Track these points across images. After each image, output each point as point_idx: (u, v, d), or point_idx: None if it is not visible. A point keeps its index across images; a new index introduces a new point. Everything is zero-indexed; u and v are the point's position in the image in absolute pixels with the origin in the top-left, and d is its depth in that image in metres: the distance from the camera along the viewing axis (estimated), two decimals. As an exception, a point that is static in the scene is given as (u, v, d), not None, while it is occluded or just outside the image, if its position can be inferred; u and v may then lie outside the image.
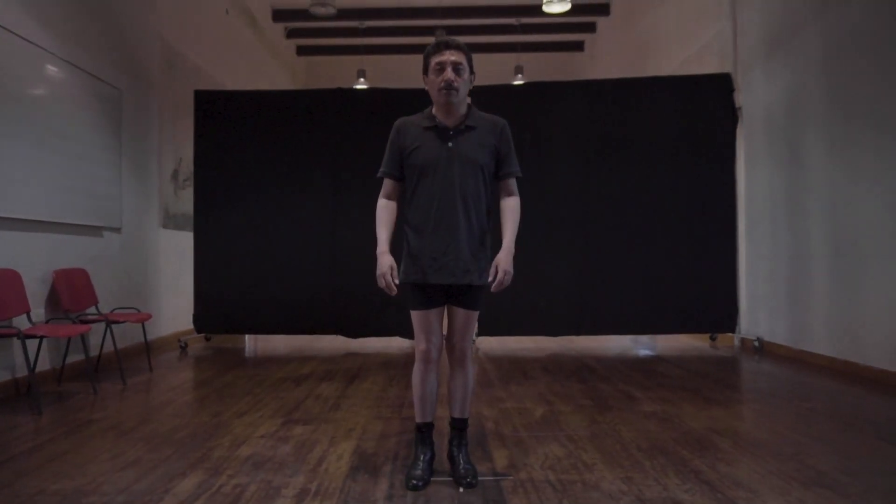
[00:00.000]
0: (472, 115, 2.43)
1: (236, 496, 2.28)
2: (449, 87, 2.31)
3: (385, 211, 2.46)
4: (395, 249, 2.41)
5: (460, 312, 2.41)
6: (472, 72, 2.40)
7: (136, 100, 5.66)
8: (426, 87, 2.43)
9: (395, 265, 2.36)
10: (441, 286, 2.37)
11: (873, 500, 2.19)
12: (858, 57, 4.41)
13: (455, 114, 2.39)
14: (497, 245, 2.38)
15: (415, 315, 2.41)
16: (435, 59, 2.35)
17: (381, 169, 2.48)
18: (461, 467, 2.40)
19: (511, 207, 2.48)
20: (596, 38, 10.82)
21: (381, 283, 2.35)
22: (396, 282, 2.36)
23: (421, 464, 2.42)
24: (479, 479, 2.42)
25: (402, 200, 2.49)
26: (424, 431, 2.49)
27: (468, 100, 2.44)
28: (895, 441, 2.88)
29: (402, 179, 2.46)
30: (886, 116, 4.14)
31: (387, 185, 2.49)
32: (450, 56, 2.33)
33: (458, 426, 2.49)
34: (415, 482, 2.34)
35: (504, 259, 2.37)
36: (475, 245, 2.39)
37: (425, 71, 2.40)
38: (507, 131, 2.47)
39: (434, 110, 2.42)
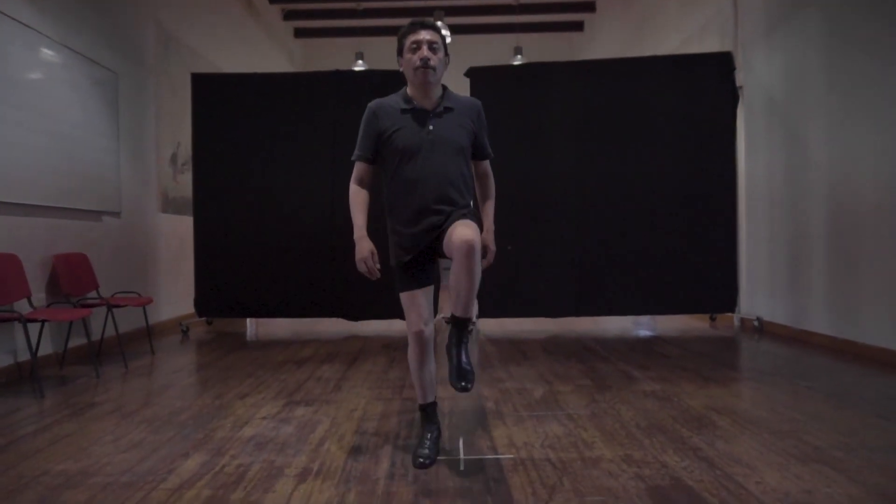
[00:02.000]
0: (448, 96, 2.41)
1: (239, 476, 2.30)
2: (425, 65, 2.29)
3: (359, 195, 2.42)
4: (373, 235, 2.41)
5: (454, 224, 2.23)
6: (446, 53, 2.39)
7: (132, 83, 5.63)
8: (401, 69, 2.40)
9: (374, 250, 2.35)
10: (428, 249, 2.36)
11: (870, 476, 2.21)
12: (858, 36, 4.38)
13: (431, 95, 2.36)
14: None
15: (404, 297, 2.40)
16: (410, 39, 2.33)
17: (356, 152, 2.43)
18: (457, 364, 2.21)
19: (489, 189, 2.56)
20: (595, 18, 10.73)
21: (362, 267, 2.34)
22: (378, 266, 2.36)
23: (427, 442, 2.44)
24: (479, 457, 2.43)
25: (375, 184, 2.45)
26: (428, 411, 2.51)
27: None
28: (892, 418, 2.90)
29: (375, 163, 2.44)
30: (887, 97, 4.11)
31: (360, 168, 2.44)
32: (425, 35, 2.32)
33: (460, 325, 2.26)
34: (421, 460, 2.36)
35: (490, 240, 2.46)
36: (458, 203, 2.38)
37: (400, 52, 2.38)
38: (482, 113, 2.48)
39: (409, 91, 2.39)
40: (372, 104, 2.43)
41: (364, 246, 2.35)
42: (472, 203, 2.43)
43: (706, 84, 5.51)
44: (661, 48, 7.46)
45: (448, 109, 2.38)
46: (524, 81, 5.61)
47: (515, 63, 8.65)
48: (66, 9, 4.66)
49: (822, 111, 4.77)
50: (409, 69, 2.33)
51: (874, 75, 4.24)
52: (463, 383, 2.19)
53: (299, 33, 11.41)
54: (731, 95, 5.53)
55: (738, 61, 5.74)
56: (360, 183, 2.44)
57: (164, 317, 6.10)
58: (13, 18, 4.07)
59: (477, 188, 2.56)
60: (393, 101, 2.41)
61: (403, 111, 2.37)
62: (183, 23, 6.71)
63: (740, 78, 5.72)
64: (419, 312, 2.37)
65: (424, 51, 2.29)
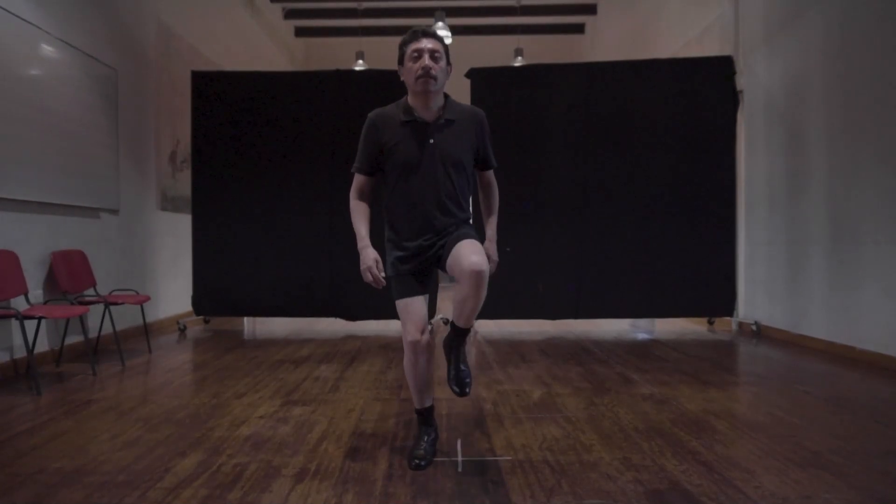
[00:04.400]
0: (450, 106, 2.37)
1: (236, 475, 2.29)
2: (427, 75, 2.24)
3: (359, 207, 2.40)
4: (374, 238, 2.39)
5: (459, 244, 2.24)
6: (448, 62, 2.35)
7: (132, 80, 5.62)
8: (402, 78, 2.36)
9: (379, 258, 2.33)
10: (427, 261, 2.36)
11: (868, 481, 2.21)
12: (860, 41, 4.38)
13: (432, 105, 2.33)
14: (480, 234, 2.40)
15: (399, 304, 2.37)
16: (412, 47, 2.29)
17: (355, 164, 2.41)
18: (461, 368, 2.29)
19: (492, 199, 2.53)
20: (596, 21, 10.73)
21: (367, 277, 2.32)
22: (383, 274, 2.33)
23: (424, 444, 2.43)
24: (477, 459, 2.43)
25: (374, 195, 2.43)
26: (425, 415, 2.50)
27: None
28: (890, 423, 2.90)
29: (374, 175, 2.41)
30: (887, 102, 4.12)
31: (359, 180, 2.41)
32: (427, 44, 2.28)
33: (460, 334, 2.31)
34: (417, 461, 2.35)
35: (492, 249, 2.44)
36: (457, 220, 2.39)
37: (401, 61, 2.34)
38: (485, 123, 2.44)
39: (410, 101, 2.35)
40: (372, 115, 2.39)
41: (368, 255, 2.32)
42: (471, 216, 2.44)
43: (707, 88, 5.52)
44: (662, 51, 7.46)
45: (449, 122, 2.34)
46: (525, 83, 5.60)
47: (516, 64, 8.65)
48: (66, 5, 4.65)
49: (822, 116, 4.78)
50: (411, 78, 2.29)
51: (874, 80, 4.24)
52: (461, 388, 2.27)
53: (300, 32, 11.40)
54: (732, 99, 5.54)
55: (739, 65, 5.74)
56: (360, 195, 2.42)
57: (162, 315, 6.08)
58: (13, 14, 4.06)
59: (481, 198, 2.52)
60: (393, 112, 2.37)
61: (403, 123, 2.33)
62: (183, 20, 6.70)
63: (741, 82, 5.73)
64: (415, 322, 2.33)
65: (426, 59, 2.25)
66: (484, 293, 2.19)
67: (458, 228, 2.34)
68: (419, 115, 2.33)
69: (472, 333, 5.54)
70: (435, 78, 2.27)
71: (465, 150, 2.37)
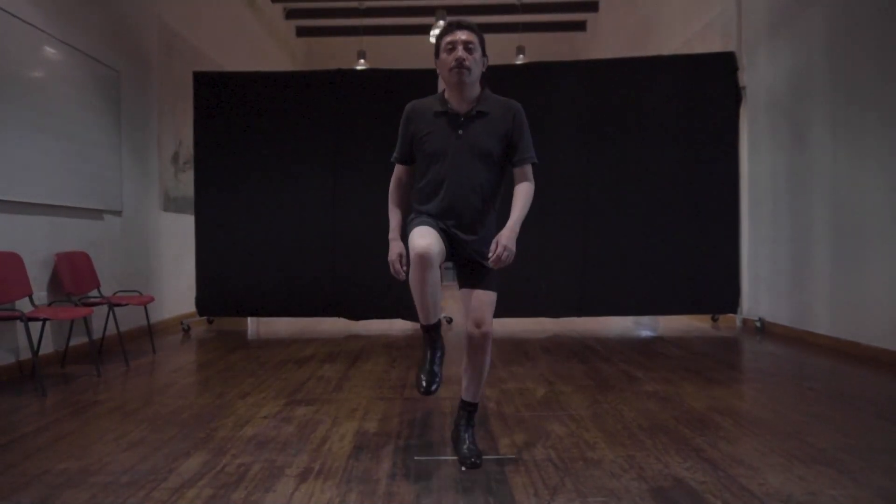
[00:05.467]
0: (486, 98, 2.37)
1: (240, 475, 2.29)
2: (460, 66, 2.27)
3: (396, 195, 2.47)
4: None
5: (474, 293, 2.35)
6: (484, 54, 2.36)
7: (134, 82, 5.63)
8: (438, 71, 2.39)
9: (403, 252, 2.32)
10: (448, 235, 2.34)
11: (873, 477, 2.20)
12: (863, 37, 4.36)
13: (467, 96, 2.34)
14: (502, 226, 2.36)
15: (415, 231, 2.24)
16: (446, 39, 2.32)
17: (395, 154, 2.48)
18: (465, 447, 2.39)
19: (523, 192, 2.38)
20: (598, 18, 10.71)
21: (392, 269, 2.34)
22: (405, 268, 2.31)
23: (432, 364, 2.32)
24: (482, 458, 2.43)
25: (412, 185, 2.48)
26: (432, 332, 2.35)
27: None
28: (895, 419, 2.89)
29: (412, 163, 2.46)
30: (890, 97, 4.10)
31: (398, 169, 2.50)
32: (461, 35, 2.30)
33: (468, 409, 2.46)
34: (426, 384, 2.28)
35: (506, 235, 2.24)
36: (482, 222, 2.39)
37: (437, 53, 2.37)
38: (520, 116, 2.38)
39: (447, 94, 2.39)
40: (408, 106, 2.43)
41: (394, 248, 2.35)
42: (495, 206, 2.42)
43: (709, 84, 5.50)
44: (664, 48, 7.44)
45: (481, 114, 2.34)
46: (526, 81, 5.59)
47: (518, 62, 8.64)
48: (68, 6, 4.66)
49: (826, 111, 4.76)
50: (445, 70, 2.32)
51: (878, 75, 4.22)
52: (472, 460, 2.35)
53: (301, 32, 11.40)
54: (735, 95, 5.52)
55: (742, 61, 5.72)
56: (399, 183, 2.48)
57: (166, 315, 6.10)
58: (15, 16, 4.07)
59: (514, 192, 2.40)
60: (429, 103, 2.41)
61: (437, 114, 2.36)
62: (185, 21, 6.70)
63: (743, 78, 5.71)
64: (428, 241, 2.18)
65: (460, 51, 2.28)
66: (488, 359, 2.37)
67: (476, 233, 2.35)
68: (452, 106, 2.35)
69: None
70: (469, 69, 2.28)
71: (493, 144, 2.34)
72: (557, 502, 2.04)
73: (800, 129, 5.09)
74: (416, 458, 2.43)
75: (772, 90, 5.50)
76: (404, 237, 2.37)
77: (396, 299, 5.34)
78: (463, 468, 2.33)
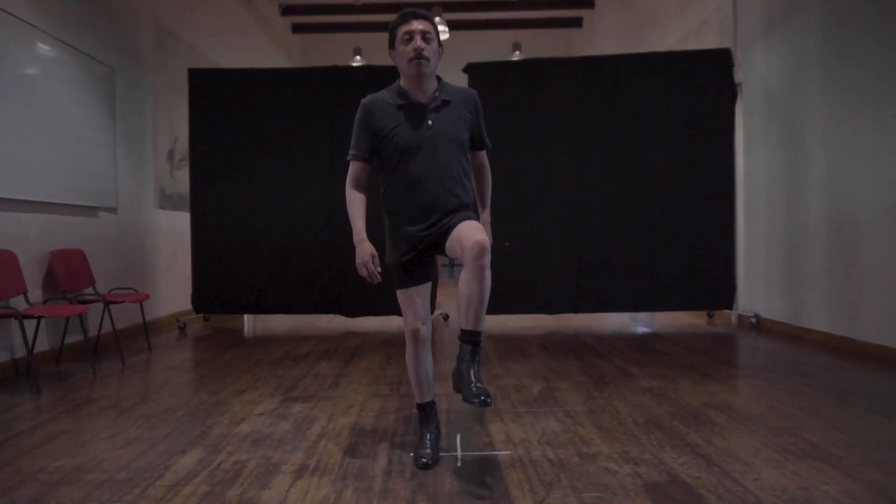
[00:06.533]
0: (444, 87, 2.35)
1: (236, 472, 2.29)
2: (419, 56, 2.22)
3: (356, 197, 2.35)
4: (370, 234, 2.36)
5: (459, 226, 2.20)
6: (439, 44, 2.32)
7: (129, 79, 5.61)
8: (394, 61, 2.34)
9: (375, 253, 2.30)
10: (428, 248, 2.33)
11: (867, 472, 2.22)
12: (858, 33, 4.37)
13: (426, 87, 2.30)
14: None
15: (401, 294, 2.36)
16: (403, 29, 2.26)
17: (351, 151, 2.36)
18: (473, 387, 2.08)
19: (485, 179, 2.53)
20: (594, 15, 10.70)
21: (363, 271, 2.29)
22: (379, 269, 2.30)
23: (428, 442, 2.40)
24: (477, 454, 2.43)
25: (369, 184, 2.41)
26: (427, 410, 2.47)
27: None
28: (889, 415, 2.90)
29: (372, 162, 2.38)
30: (885, 94, 4.11)
31: (356, 168, 2.36)
32: (417, 25, 2.24)
33: (471, 340, 2.15)
34: (425, 461, 2.32)
35: (484, 230, 2.27)
36: (465, 203, 2.36)
37: (392, 44, 2.31)
38: (479, 103, 2.42)
39: (404, 84, 2.32)
40: (366, 101, 2.35)
41: (364, 249, 2.29)
42: (473, 198, 2.42)
43: (705, 81, 5.50)
44: (659, 45, 7.44)
45: (445, 103, 2.32)
46: (522, 77, 5.59)
47: (514, 59, 8.64)
48: (62, 3, 4.63)
49: (821, 108, 4.77)
50: (403, 61, 2.27)
51: (873, 72, 4.23)
52: (482, 398, 2.05)
53: (297, 29, 11.37)
54: (730, 92, 5.52)
55: (737, 58, 5.73)
56: (357, 184, 2.37)
57: (162, 313, 6.09)
58: (8, 13, 4.05)
59: (474, 178, 2.48)
60: (386, 96, 2.34)
61: (399, 107, 2.30)
62: (180, 18, 6.68)
63: (739, 75, 5.71)
64: (416, 311, 2.33)
65: (418, 41, 2.22)
66: (488, 276, 2.10)
67: (458, 211, 2.30)
68: (414, 97, 2.31)
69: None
70: (427, 59, 2.24)
71: (463, 131, 2.36)
72: (553, 498, 2.05)
73: (795, 126, 5.10)
74: (411, 454, 2.43)
75: (767, 87, 5.50)
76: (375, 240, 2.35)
77: (393, 296, 5.31)
78: (474, 403, 2.06)
